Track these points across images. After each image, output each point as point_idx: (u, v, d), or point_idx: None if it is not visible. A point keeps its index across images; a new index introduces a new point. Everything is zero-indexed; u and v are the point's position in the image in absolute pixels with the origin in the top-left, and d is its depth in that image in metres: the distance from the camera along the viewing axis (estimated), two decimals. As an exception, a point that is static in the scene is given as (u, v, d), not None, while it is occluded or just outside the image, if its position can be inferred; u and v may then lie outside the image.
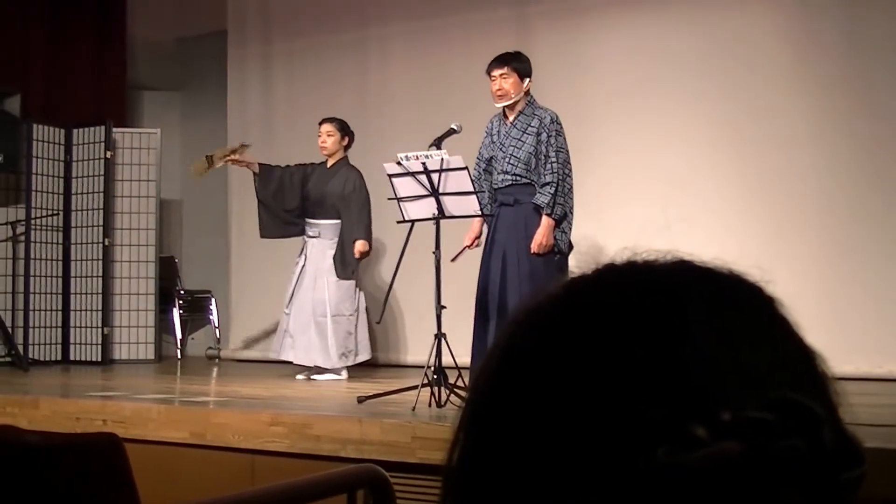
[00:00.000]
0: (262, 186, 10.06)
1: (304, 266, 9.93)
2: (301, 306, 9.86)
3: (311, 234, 9.95)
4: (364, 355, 9.99)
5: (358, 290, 9.93)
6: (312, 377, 9.80)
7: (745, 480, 0.70)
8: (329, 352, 9.77)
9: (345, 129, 10.05)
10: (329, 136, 9.99)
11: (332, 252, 9.82)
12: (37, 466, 3.98)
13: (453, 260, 7.74)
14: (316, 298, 9.80)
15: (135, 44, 13.99)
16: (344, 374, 9.86)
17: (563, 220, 7.59)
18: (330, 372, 9.80)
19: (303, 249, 9.99)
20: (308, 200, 9.98)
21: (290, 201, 10.04)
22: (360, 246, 9.62)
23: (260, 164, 10.08)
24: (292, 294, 9.96)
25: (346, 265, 9.75)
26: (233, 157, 9.85)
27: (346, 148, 10.09)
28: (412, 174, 7.44)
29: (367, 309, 10.10)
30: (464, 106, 9.84)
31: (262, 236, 10.28)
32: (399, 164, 7.46)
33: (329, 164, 10.05)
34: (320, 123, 10.11)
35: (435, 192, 7.41)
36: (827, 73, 9.51)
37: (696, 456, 0.70)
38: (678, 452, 0.71)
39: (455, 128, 7.76)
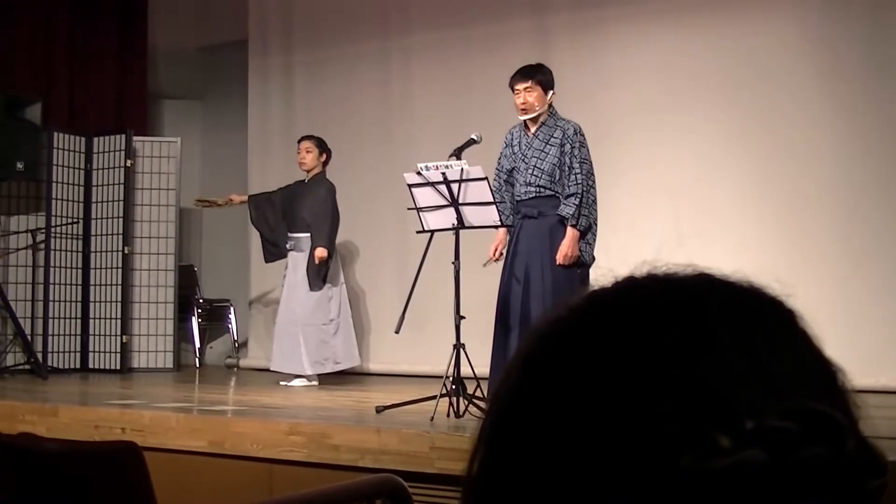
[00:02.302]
0: (253, 215, 10.72)
1: (285, 278, 10.33)
2: (281, 317, 10.26)
3: (289, 247, 10.34)
4: (347, 363, 10.27)
5: (339, 299, 10.21)
6: (288, 383, 10.04)
7: (769, 489, 0.70)
8: (301, 360, 10.09)
9: (322, 147, 10.42)
10: (308, 152, 10.38)
11: (305, 264, 10.13)
12: (56, 474, 3.99)
13: (486, 265, 7.77)
14: (290, 309, 10.17)
15: (156, 52, 14.02)
16: (315, 381, 10.12)
17: (587, 231, 7.54)
18: (299, 377, 10.10)
19: (288, 262, 10.39)
20: (288, 216, 10.38)
21: (274, 221, 10.52)
22: (318, 252, 9.97)
23: (249, 196, 10.82)
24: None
25: (315, 275, 10.06)
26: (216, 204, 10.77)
27: (325, 164, 10.45)
28: (432, 184, 7.43)
29: (351, 317, 10.57)
30: (484, 116, 9.85)
31: (266, 261, 10.85)
32: (419, 174, 7.46)
33: (307, 180, 10.41)
34: (299, 141, 10.54)
35: (455, 203, 7.41)
36: (847, 87, 9.49)
37: (719, 464, 0.71)
38: (702, 461, 0.71)
39: (475, 138, 7.75)
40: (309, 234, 10.14)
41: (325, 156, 10.39)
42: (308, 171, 10.37)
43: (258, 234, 10.90)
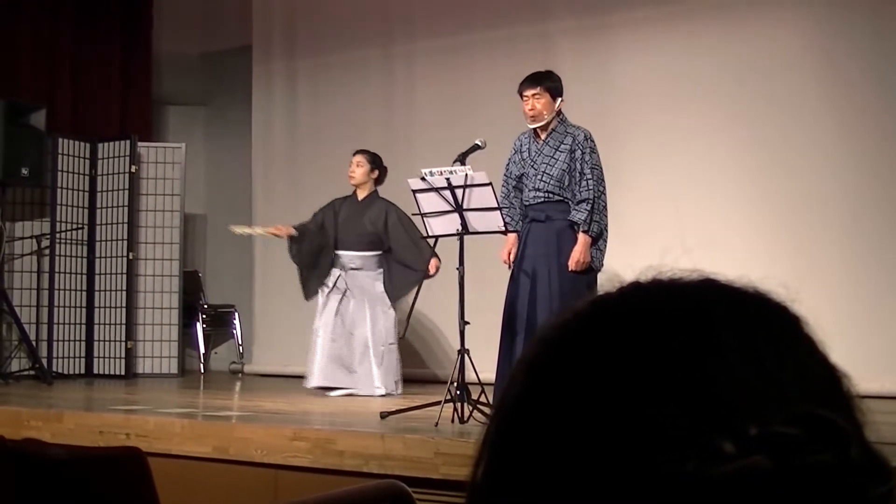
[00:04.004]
0: (296, 250, 10.01)
1: (344, 295, 9.83)
2: (355, 336, 9.76)
3: (352, 266, 9.83)
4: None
5: None
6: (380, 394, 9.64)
7: (773, 495, 0.70)
8: (387, 379, 9.66)
9: (376, 163, 9.97)
10: (358, 166, 9.91)
11: (379, 282, 9.78)
12: (60, 480, 3.99)
13: (510, 267, 7.76)
14: (375, 329, 9.70)
15: (160, 58, 14.04)
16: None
17: (598, 237, 7.52)
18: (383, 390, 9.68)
19: (337, 279, 9.85)
20: (343, 232, 9.86)
21: (325, 250, 9.95)
22: (436, 262, 9.21)
23: (295, 227, 9.97)
24: (333, 322, 9.82)
25: (396, 291, 9.67)
26: (269, 232, 10.07)
27: (377, 182, 9.99)
28: (436, 190, 7.43)
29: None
30: (488, 122, 9.86)
31: (307, 298, 10.10)
32: (423, 179, 7.45)
33: (360, 197, 9.96)
34: (353, 154, 10.03)
35: (459, 208, 7.40)
36: (856, 88, 9.49)
37: (724, 470, 0.70)
38: (706, 466, 0.71)
39: (479, 143, 7.73)
40: (379, 252, 9.79)
41: (376, 172, 9.94)
42: (357, 186, 9.94)
43: (267, 238, 10.64)
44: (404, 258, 9.64)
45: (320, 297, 9.91)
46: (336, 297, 9.82)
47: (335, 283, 9.84)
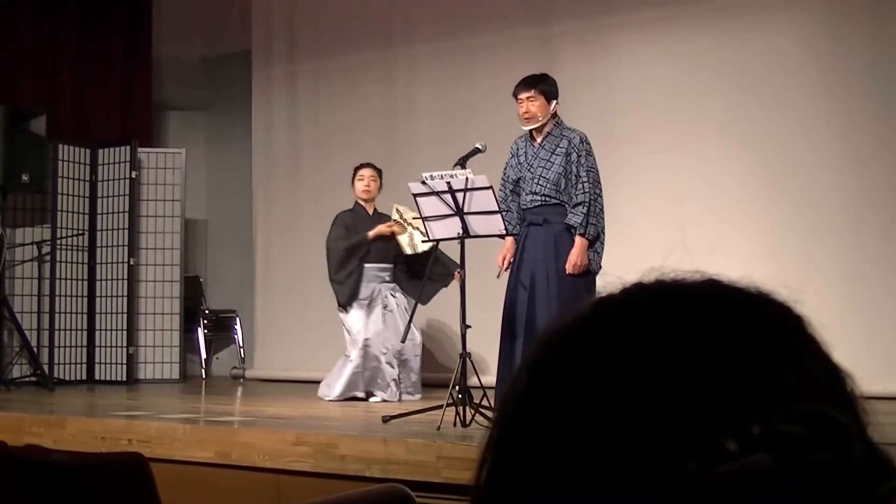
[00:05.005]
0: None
1: (386, 307, 9.79)
2: (397, 345, 9.64)
3: (384, 278, 9.85)
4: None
5: None
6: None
7: (776, 493, 0.70)
8: (416, 385, 9.70)
9: (381, 175, 10.05)
10: (373, 180, 9.95)
11: (399, 292, 9.83)
12: (63, 486, 3.99)
13: (500, 276, 7.75)
14: (391, 340, 9.62)
15: (161, 63, 14.04)
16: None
17: (595, 239, 7.52)
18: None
19: (375, 294, 9.81)
20: (375, 249, 9.84)
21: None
22: (459, 271, 9.31)
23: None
24: (383, 334, 9.73)
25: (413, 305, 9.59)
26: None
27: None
28: (437, 193, 7.43)
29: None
30: (489, 125, 9.85)
31: (347, 304, 9.92)
32: (424, 183, 7.45)
33: (371, 211, 9.97)
34: (362, 167, 10.03)
35: (460, 212, 7.40)
36: (856, 91, 9.49)
37: (726, 469, 0.70)
38: (709, 466, 0.71)
39: (480, 147, 7.73)
40: (392, 265, 9.84)
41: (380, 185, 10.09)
42: (369, 200, 9.97)
43: (268, 242, 10.57)
44: (418, 269, 9.59)
45: (357, 310, 9.78)
46: (379, 310, 9.76)
47: (371, 295, 9.79)
